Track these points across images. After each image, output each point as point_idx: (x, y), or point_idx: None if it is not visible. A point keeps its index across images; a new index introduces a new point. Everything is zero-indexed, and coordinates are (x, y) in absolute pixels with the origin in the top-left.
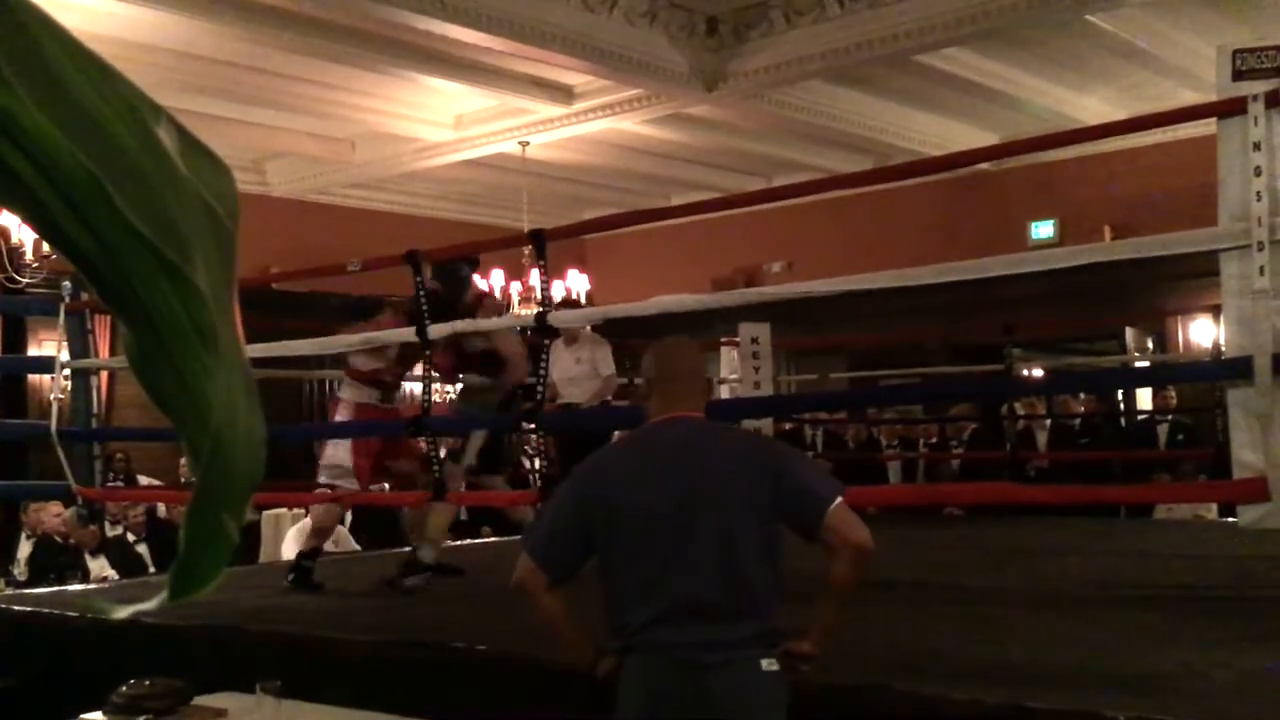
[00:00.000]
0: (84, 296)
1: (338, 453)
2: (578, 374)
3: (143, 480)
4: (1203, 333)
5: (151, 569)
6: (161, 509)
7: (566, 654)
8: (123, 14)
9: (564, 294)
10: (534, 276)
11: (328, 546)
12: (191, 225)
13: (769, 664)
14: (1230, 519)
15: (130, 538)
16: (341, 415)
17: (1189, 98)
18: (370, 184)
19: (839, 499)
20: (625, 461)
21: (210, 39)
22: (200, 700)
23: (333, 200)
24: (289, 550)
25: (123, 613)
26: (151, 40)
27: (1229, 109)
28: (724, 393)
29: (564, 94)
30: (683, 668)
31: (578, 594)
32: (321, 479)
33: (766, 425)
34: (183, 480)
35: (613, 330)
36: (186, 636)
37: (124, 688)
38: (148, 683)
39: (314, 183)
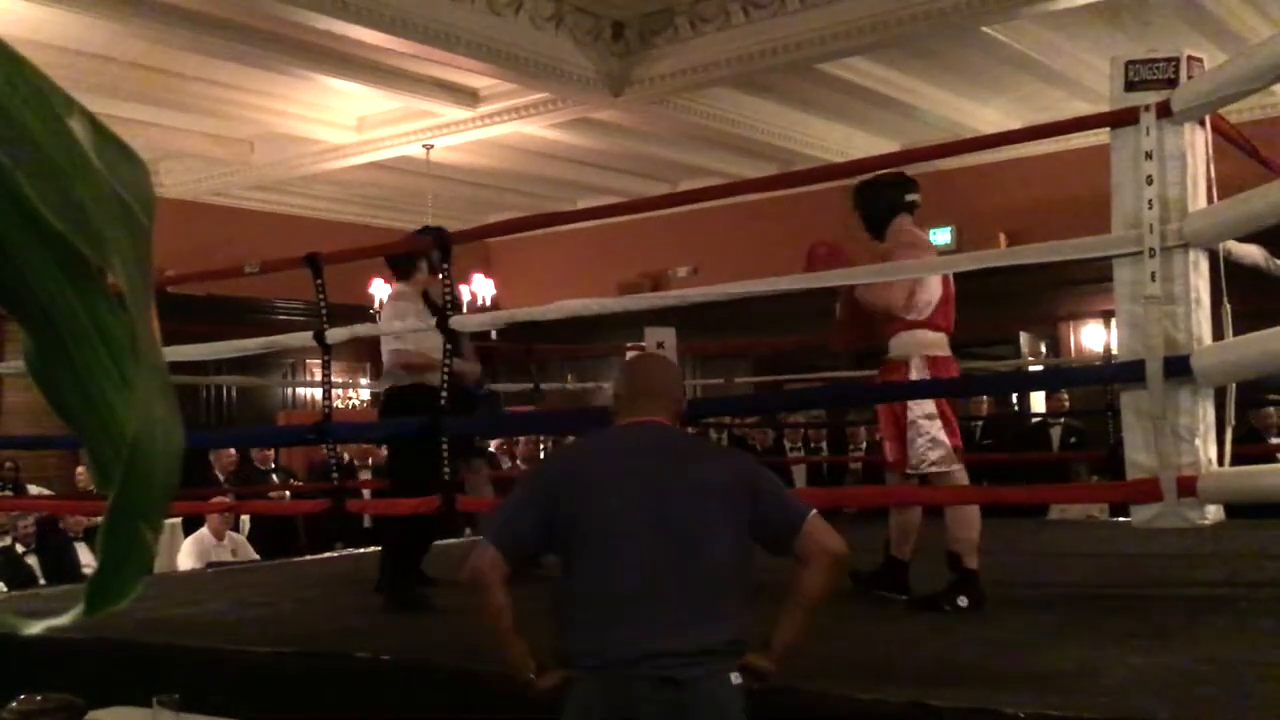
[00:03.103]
0: None
1: (941, 437)
2: None
3: (32, 489)
4: (1093, 337)
5: (41, 580)
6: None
7: (508, 659)
8: (7, 7)
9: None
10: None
11: (225, 556)
12: (106, 220)
13: (736, 677)
14: (1121, 519)
15: (19, 549)
16: (919, 374)
17: (1080, 108)
18: (270, 186)
19: (814, 510)
20: (599, 459)
21: (103, 36)
22: (94, 715)
23: (231, 202)
24: (185, 561)
25: (35, 628)
26: (42, 37)
27: (1122, 119)
28: None
29: (469, 97)
30: (649, 681)
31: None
32: (918, 470)
33: None
34: (80, 488)
35: (518, 334)
36: (80, 650)
37: (13, 704)
38: (39, 698)
39: (211, 184)
